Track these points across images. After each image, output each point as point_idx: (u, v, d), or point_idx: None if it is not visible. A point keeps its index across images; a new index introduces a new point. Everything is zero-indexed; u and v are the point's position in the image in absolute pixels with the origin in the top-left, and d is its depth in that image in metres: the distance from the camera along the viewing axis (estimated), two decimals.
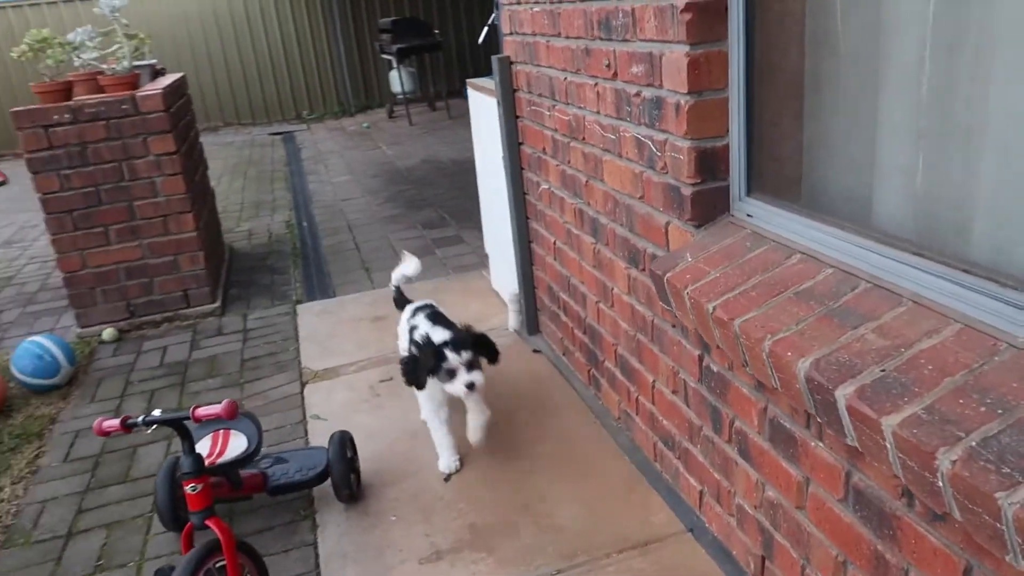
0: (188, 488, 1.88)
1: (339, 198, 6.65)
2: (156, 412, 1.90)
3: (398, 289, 3.06)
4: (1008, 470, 0.99)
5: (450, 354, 2.36)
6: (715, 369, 1.88)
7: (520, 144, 3.18)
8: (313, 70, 11.98)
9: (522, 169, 3.22)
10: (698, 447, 2.09)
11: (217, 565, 1.89)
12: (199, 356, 3.74)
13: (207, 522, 1.89)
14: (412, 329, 2.68)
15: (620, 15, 2.04)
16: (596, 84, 2.29)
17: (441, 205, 6.02)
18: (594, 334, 2.75)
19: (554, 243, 2.99)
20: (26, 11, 10.73)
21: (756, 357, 1.47)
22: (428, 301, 2.88)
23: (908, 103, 1.44)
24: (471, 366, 2.38)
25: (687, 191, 1.86)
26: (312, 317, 4.04)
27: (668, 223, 2.00)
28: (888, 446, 1.15)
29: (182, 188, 3.99)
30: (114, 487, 2.74)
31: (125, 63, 4.00)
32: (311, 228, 5.77)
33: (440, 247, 5.03)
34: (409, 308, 2.88)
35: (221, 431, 2.21)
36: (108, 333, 4.00)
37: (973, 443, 1.04)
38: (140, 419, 1.86)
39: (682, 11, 1.73)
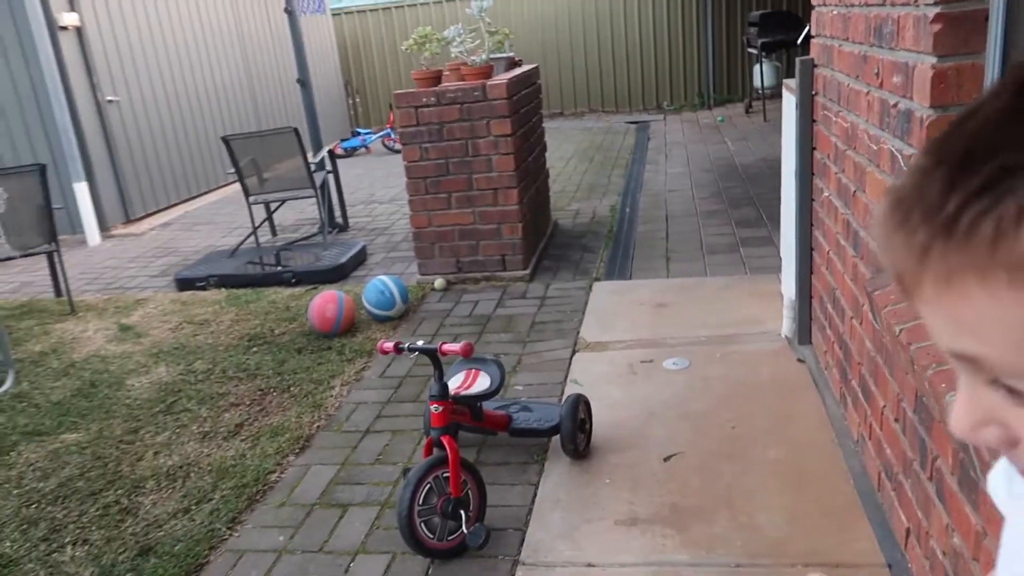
0: (432, 407, 2.32)
1: (667, 189, 6.87)
2: (419, 342, 2.37)
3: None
4: None
5: None
6: (923, 399, 1.77)
7: (813, 149, 3.11)
8: (679, 61, 12.26)
9: (812, 175, 3.15)
10: (909, 481, 1.97)
11: (444, 475, 2.31)
12: (500, 313, 4.29)
13: (442, 438, 2.32)
14: None
15: (889, 22, 1.97)
16: (868, 92, 2.22)
17: (763, 204, 5.91)
18: (846, 350, 2.64)
19: (827, 252, 2.91)
20: (417, 9, 12.62)
21: (921, 384, 1.42)
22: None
23: None
24: None
25: None
26: (603, 295, 4.37)
27: None
28: None
29: (512, 167, 4.56)
30: (407, 403, 3.37)
31: (484, 56, 4.67)
32: (631, 214, 6.10)
33: (746, 246, 5.00)
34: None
35: (474, 370, 2.63)
36: (439, 283, 4.77)
37: None
38: (406, 346, 2.34)
39: (932, 21, 1.66)
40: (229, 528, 2.61)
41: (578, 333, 3.89)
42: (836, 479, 2.47)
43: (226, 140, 5.40)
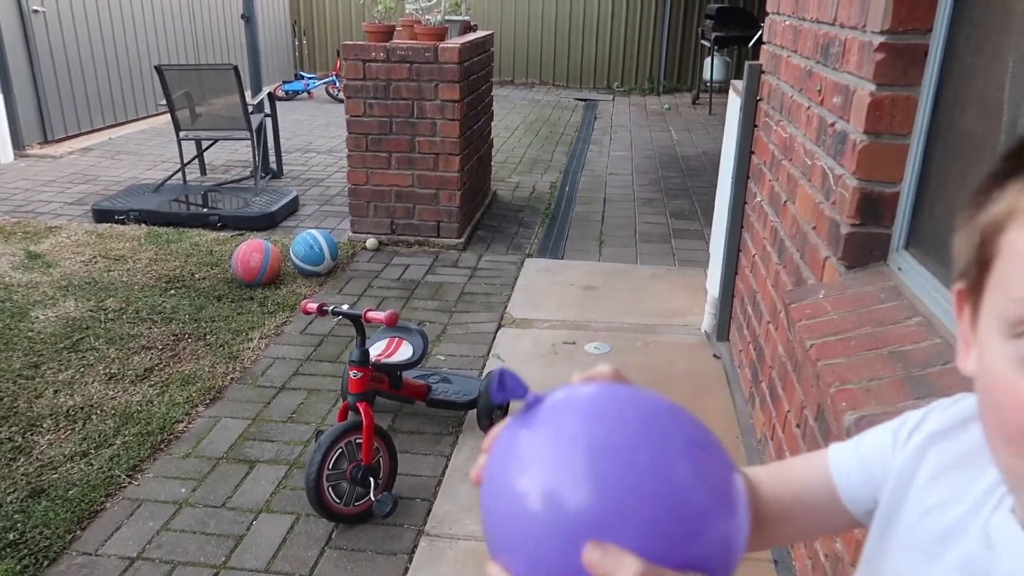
0: (351, 373, 2.30)
1: (608, 171, 6.92)
2: (344, 306, 2.34)
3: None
4: None
5: None
6: (825, 413, 1.85)
7: (751, 153, 3.18)
8: (633, 45, 12.29)
9: (747, 178, 3.22)
10: None
11: (356, 441, 2.30)
12: (430, 280, 4.27)
13: (358, 404, 2.30)
14: None
15: (836, 43, 2.02)
16: (809, 107, 2.27)
17: (699, 198, 6.03)
18: (760, 352, 2.74)
19: (753, 256, 2.99)
20: None
21: (824, 400, 1.48)
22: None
23: None
24: None
25: (844, 230, 1.84)
26: (534, 272, 4.39)
27: (827, 259, 1.98)
28: None
29: (456, 133, 4.51)
30: (326, 363, 3.33)
31: (439, 17, 4.58)
32: (570, 193, 6.13)
33: (678, 237, 5.10)
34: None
35: (396, 338, 2.62)
36: (371, 243, 4.70)
37: None
38: (330, 308, 2.31)
39: (876, 49, 1.70)
40: (129, 476, 2.55)
41: (505, 308, 3.91)
42: None
43: (159, 69, 5.15)
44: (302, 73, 11.02)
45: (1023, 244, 0.48)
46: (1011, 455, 0.50)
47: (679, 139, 8.52)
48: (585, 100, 11.35)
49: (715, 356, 3.40)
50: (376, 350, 2.53)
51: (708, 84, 10.60)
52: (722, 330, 3.49)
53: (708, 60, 10.56)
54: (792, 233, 2.37)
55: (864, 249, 1.83)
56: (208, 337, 3.51)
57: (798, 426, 2.15)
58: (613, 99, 11.61)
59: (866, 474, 0.69)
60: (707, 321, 3.61)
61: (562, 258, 4.68)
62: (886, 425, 0.70)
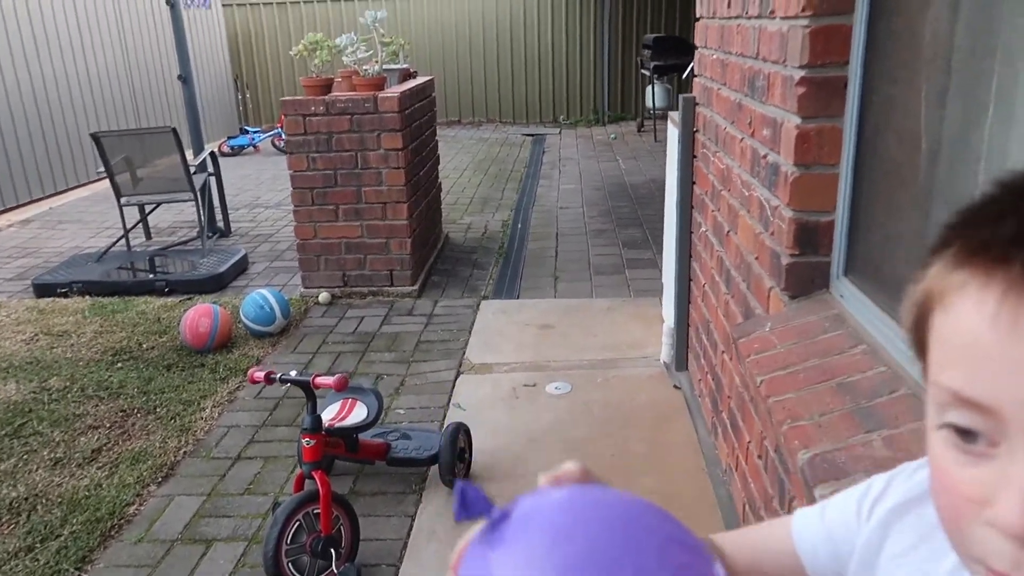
0: (303, 441, 2.24)
1: (559, 205, 6.96)
2: (292, 373, 2.28)
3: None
4: None
5: None
6: (780, 451, 1.85)
7: (693, 183, 3.21)
8: (576, 77, 12.48)
9: (691, 208, 3.25)
10: (768, 515, 2.05)
11: (314, 512, 2.23)
12: (386, 331, 4.22)
13: (313, 473, 2.23)
14: None
15: (761, 77, 2.05)
16: (742, 139, 2.30)
17: (650, 226, 6.08)
18: (718, 382, 2.74)
19: (703, 285, 3.01)
20: (313, 6, 12.35)
21: (777, 438, 1.47)
22: None
23: None
24: None
25: (785, 260, 1.85)
26: (489, 314, 4.36)
27: (771, 289, 1.99)
28: None
29: (402, 181, 4.50)
30: (282, 427, 3.25)
31: (377, 67, 4.59)
32: (523, 231, 6.14)
33: (631, 268, 5.13)
34: None
35: (350, 400, 2.56)
36: (323, 296, 4.64)
37: None
38: (278, 376, 2.25)
39: (796, 83, 1.73)
40: (78, 569, 2.43)
41: (463, 354, 3.87)
42: (704, 507, 2.55)
43: (95, 137, 5.06)
44: (247, 127, 10.95)
45: (944, 330, 0.46)
46: (950, 536, 0.48)
47: (627, 167, 8.63)
48: (532, 135, 11.47)
49: (675, 387, 3.40)
50: (329, 414, 2.47)
51: (651, 112, 10.79)
52: (680, 360, 3.49)
53: (649, 88, 10.77)
54: (737, 263, 2.38)
55: (805, 278, 1.84)
56: (159, 410, 3.41)
57: (759, 456, 2.14)
58: (560, 132, 11.75)
59: (831, 548, 0.67)
60: (665, 352, 3.61)
61: (518, 297, 4.67)
62: (852, 492, 0.67)
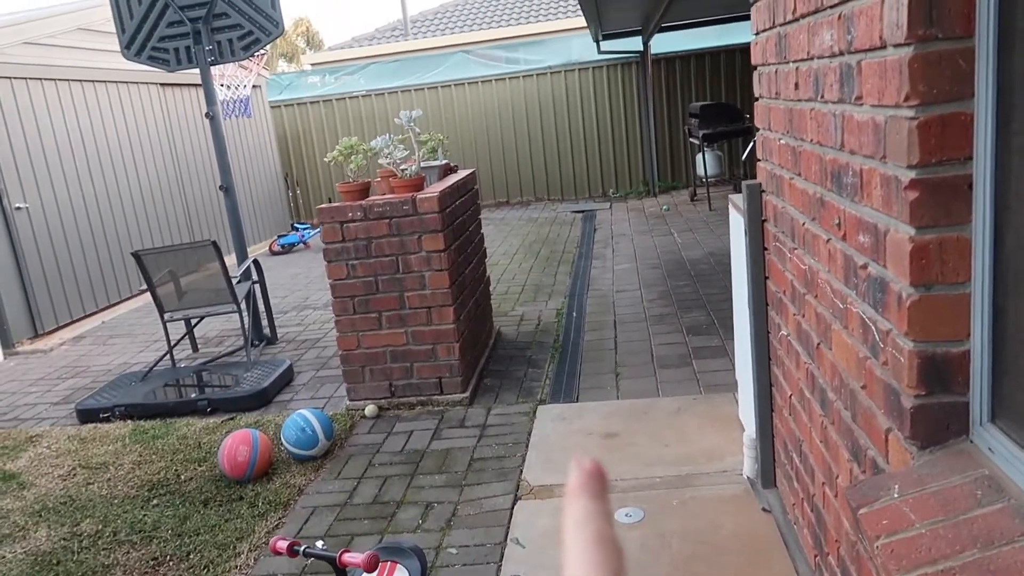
0: None
1: (615, 288, 6.63)
2: (319, 544, 1.96)
3: None
4: None
5: None
6: None
7: (766, 278, 2.86)
8: (623, 149, 12.32)
9: (766, 305, 2.88)
10: None
11: None
12: (436, 447, 3.89)
13: None
14: None
15: (850, 172, 1.72)
16: (829, 240, 1.95)
17: (714, 308, 5.69)
18: (819, 517, 2.31)
19: (790, 397, 2.61)
20: (359, 100, 12.52)
21: None
22: None
23: None
24: None
25: (907, 402, 1.47)
26: (548, 422, 4.00)
27: (889, 431, 1.60)
28: None
29: (446, 283, 4.24)
30: (325, 575, 2.92)
31: (415, 167, 4.40)
32: (578, 320, 5.81)
33: (698, 358, 4.73)
34: None
35: (389, 563, 2.22)
36: (370, 409, 4.36)
37: None
38: (302, 549, 1.93)
39: (906, 187, 1.39)
40: None
41: (521, 473, 3.51)
42: None
43: (137, 256, 4.98)
44: (297, 224, 11.01)
45: None
46: None
47: (683, 241, 8.28)
48: (582, 211, 11.25)
49: (764, 509, 2.96)
50: None
51: (704, 180, 10.49)
52: (767, 476, 3.06)
53: (700, 156, 10.49)
54: (835, 385, 2.00)
55: (938, 425, 1.46)
56: (191, 556, 3.12)
57: None
58: (610, 206, 11.52)
59: None
60: (748, 465, 3.19)
61: (577, 399, 4.31)
62: None
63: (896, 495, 1.42)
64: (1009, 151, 1.30)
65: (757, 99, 2.75)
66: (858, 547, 1.91)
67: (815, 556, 2.45)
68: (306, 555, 1.92)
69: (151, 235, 8.43)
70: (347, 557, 1.84)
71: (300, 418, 3.84)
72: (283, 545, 1.95)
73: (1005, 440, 1.34)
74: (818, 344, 2.15)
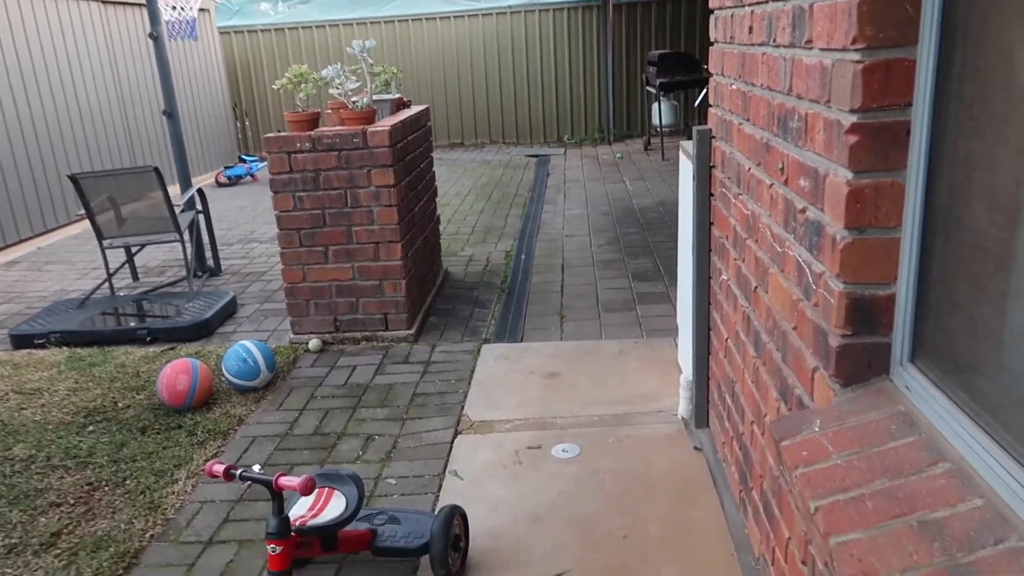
0: (268, 548, 1.92)
1: (565, 233, 6.65)
2: (255, 468, 1.97)
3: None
4: None
5: None
6: None
7: (711, 224, 2.90)
8: (580, 95, 12.22)
9: (710, 250, 2.93)
10: None
11: None
12: (379, 382, 3.90)
13: None
14: None
15: (796, 117, 1.74)
16: (772, 185, 1.99)
17: (661, 255, 5.76)
18: (747, 455, 2.41)
19: (726, 340, 2.68)
20: (312, 31, 12.14)
21: None
22: None
23: None
24: None
25: (834, 342, 1.53)
26: (491, 360, 4.04)
27: (815, 369, 1.66)
28: None
29: (395, 219, 4.20)
30: (261, 503, 2.93)
31: (366, 99, 4.30)
32: (527, 262, 5.83)
33: (643, 304, 4.80)
34: None
35: (326, 489, 2.24)
36: (313, 344, 4.33)
37: None
38: (238, 473, 1.94)
39: (847, 131, 1.42)
40: None
41: (462, 408, 3.55)
42: None
43: (74, 179, 4.79)
44: (244, 156, 10.71)
45: None
46: None
47: (634, 189, 8.32)
48: (537, 156, 11.19)
49: (696, 448, 3.06)
50: (300, 509, 2.15)
51: (659, 129, 10.50)
52: (700, 416, 3.16)
53: (655, 106, 10.48)
54: (769, 327, 2.06)
55: (860, 363, 1.52)
56: (128, 482, 3.10)
57: (803, 563, 1.80)
58: (565, 152, 11.47)
59: None
60: (683, 406, 3.28)
61: (521, 340, 4.35)
62: None
63: (817, 428, 1.49)
64: (947, 99, 1.33)
65: (712, 44, 2.74)
66: (780, 481, 2.00)
67: (740, 492, 2.55)
68: (242, 479, 1.93)
69: (90, 160, 8.11)
70: (283, 481, 1.85)
71: (242, 349, 3.80)
72: (219, 469, 1.95)
73: (922, 379, 1.41)
74: (755, 288, 2.21)
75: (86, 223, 7.72)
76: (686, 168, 3.25)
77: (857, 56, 1.38)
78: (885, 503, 1.22)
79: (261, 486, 1.94)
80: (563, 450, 3.11)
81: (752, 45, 2.14)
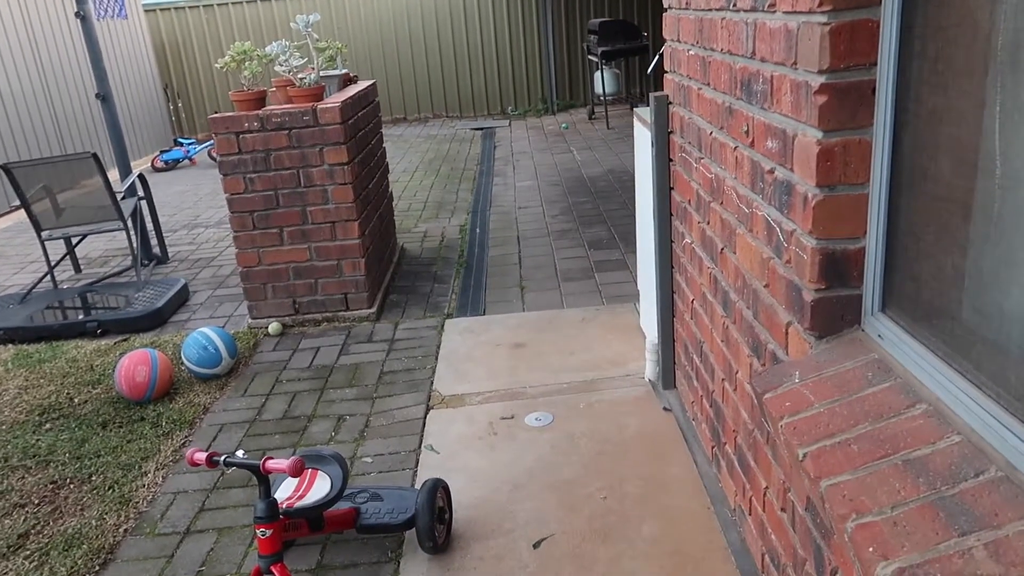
0: (258, 532, 1.92)
1: (517, 205, 6.67)
2: (239, 453, 1.95)
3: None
4: None
5: None
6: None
7: (671, 189, 2.95)
8: (521, 66, 12.17)
9: (671, 215, 2.98)
10: None
11: None
12: (344, 362, 3.88)
13: (272, 567, 1.92)
14: None
15: (761, 80, 1.78)
16: (736, 148, 2.03)
17: (615, 223, 5.83)
18: (718, 411, 2.49)
19: (692, 302, 2.75)
20: (243, 7, 11.80)
21: (839, 533, 1.21)
22: None
23: None
24: None
25: (808, 296, 1.59)
26: (456, 335, 4.06)
27: (789, 324, 1.73)
28: None
29: (350, 197, 4.15)
30: (236, 490, 2.91)
31: (313, 76, 4.22)
32: (482, 236, 5.83)
33: (600, 271, 4.86)
34: None
35: (309, 471, 2.24)
36: (273, 327, 4.28)
37: None
38: (222, 459, 1.92)
39: (816, 91, 1.46)
40: None
41: (432, 384, 3.56)
42: (716, 559, 2.30)
43: (7, 169, 4.60)
44: (180, 139, 10.40)
45: None
46: None
47: (582, 159, 8.37)
48: (482, 128, 11.14)
49: (665, 408, 3.14)
50: (286, 491, 2.15)
51: (602, 98, 10.55)
52: (667, 378, 3.24)
53: (598, 74, 10.52)
54: (738, 287, 2.12)
55: (834, 315, 1.59)
56: (94, 478, 3.03)
57: (783, 510, 1.89)
58: (510, 123, 11.45)
59: None
60: (650, 369, 3.36)
61: (484, 313, 4.37)
62: None
63: (797, 380, 1.55)
64: (910, 57, 1.39)
65: (666, 10, 2.77)
66: (755, 434, 2.07)
67: (712, 447, 2.64)
68: (227, 465, 1.91)
69: (16, 149, 7.77)
70: (271, 464, 1.84)
71: (201, 336, 3.73)
72: (201, 456, 1.93)
73: (893, 327, 1.48)
74: (722, 249, 2.27)
75: (18, 214, 7.42)
76: (643, 135, 3.29)
77: (824, 18, 1.42)
78: (869, 445, 1.29)
79: (243, 471, 1.93)
80: (536, 418, 3.16)
81: (710, 10, 2.17)
